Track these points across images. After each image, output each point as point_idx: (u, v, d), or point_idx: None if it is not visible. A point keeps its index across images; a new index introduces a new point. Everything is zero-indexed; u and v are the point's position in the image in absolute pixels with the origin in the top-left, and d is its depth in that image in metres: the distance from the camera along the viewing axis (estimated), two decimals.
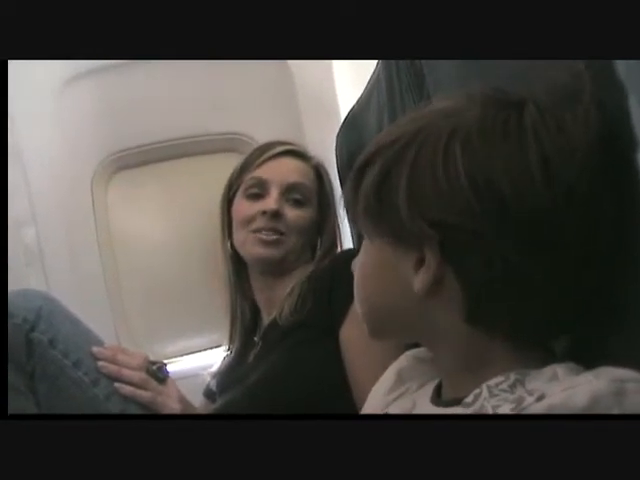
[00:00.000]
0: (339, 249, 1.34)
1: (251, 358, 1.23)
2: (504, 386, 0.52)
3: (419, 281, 0.56)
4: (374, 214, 0.59)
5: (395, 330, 0.65)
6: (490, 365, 0.56)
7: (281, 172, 1.28)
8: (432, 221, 0.54)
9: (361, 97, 1.31)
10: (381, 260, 0.61)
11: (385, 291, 0.61)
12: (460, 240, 0.54)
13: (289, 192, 1.27)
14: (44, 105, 1.54)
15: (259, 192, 1.27)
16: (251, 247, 1.26)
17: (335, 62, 1.63)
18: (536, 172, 0.52)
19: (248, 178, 1.29)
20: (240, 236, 1.28)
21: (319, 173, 1.33)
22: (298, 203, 1.27)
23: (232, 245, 1.32)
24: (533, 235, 0.53)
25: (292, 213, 1.26)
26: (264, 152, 1.31)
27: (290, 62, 1.62)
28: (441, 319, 0.58)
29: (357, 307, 0.65)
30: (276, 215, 1.23)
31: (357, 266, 0.64)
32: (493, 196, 0.52)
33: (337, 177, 1.37)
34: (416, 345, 0.71)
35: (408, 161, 0.56)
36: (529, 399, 0.47)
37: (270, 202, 1.24)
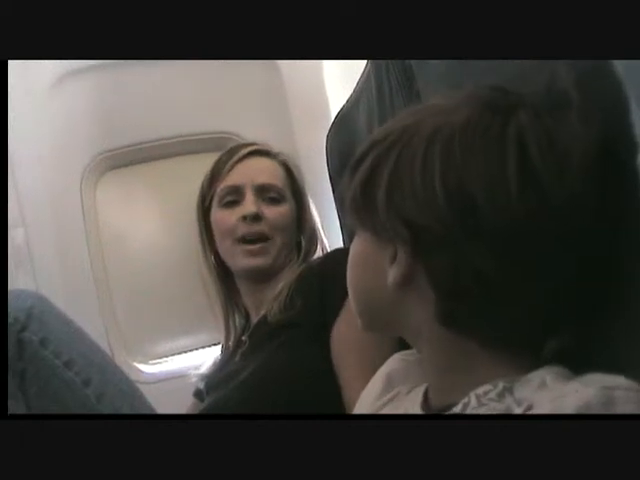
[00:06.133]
0: (319, 244, 1.34)
1: (238, 356, 1.23)
2: (492, 395, 0.51)
3: (391, 275, 0.58)
4: (358, 207, 0.61)
5: (381, 323, 0.66)
6: (472, 370, 0.55)
7: (251, 174, 1.28)
8: (405, 220, 0.55)
9: (351, 97, 1.32)
10: (364, 252, 0.63)
11: (368, 282, 0.63)
12: (431, 242, 0.54)
13: (263, 192, 1.27)
14: (32, 104, 1.53)
15: (235, 199, 1.27)
16: (239, 259, 1.26)
17: (325, 62, 1.63)
18: (512, 184, 0.51)
19: (220, 188, 1.28)
20: (226, 247, 1.28)
21: (288, 168, 1.33)
22: (274, 201, 1.27)
23: (216, 256, 1.32)
24: (506, 246, 0.52)
25: (271, 212, 1.26)
26: (230, 157, 1.31)
27: (279, 62, 1.62)
28: (415, 317, 0.58)
29: (350, 297, 0.66)
30: (256, 218, 1.23)
31: (349, 257, 0.66)
32: (465, 204, 0.52)
33: (328, 176, 1.38)
34: (407, 346, 0.69)
35: (392, 159, 0.57)
36: (517, 410, 0.47)
37: (248, 206, 1.24)
